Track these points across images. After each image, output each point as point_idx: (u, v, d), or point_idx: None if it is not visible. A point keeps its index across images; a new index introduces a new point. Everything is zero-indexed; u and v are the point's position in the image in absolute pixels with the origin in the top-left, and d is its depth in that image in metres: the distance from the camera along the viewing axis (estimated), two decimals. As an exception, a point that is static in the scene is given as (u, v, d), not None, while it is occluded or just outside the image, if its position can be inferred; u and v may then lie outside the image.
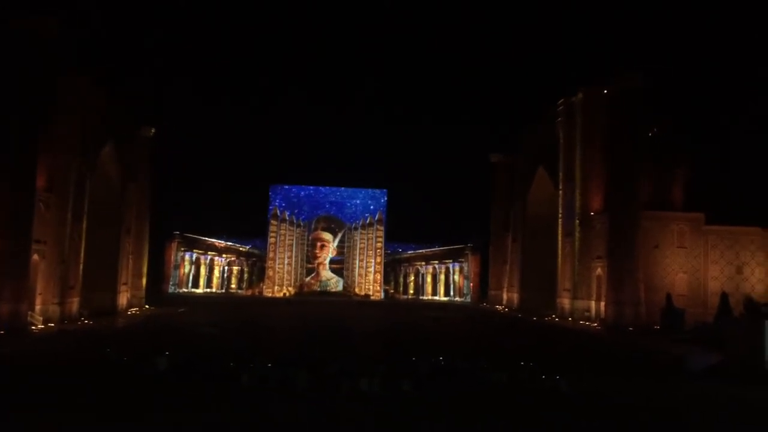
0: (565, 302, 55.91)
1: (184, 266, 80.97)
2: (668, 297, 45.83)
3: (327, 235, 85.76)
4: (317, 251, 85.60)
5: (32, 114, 37.67)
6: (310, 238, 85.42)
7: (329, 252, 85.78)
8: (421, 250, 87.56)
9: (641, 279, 48.56)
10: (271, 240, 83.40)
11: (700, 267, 51.49)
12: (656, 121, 54.12)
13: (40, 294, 41.13)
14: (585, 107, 54.69)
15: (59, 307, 42.68)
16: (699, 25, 64.68)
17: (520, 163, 69.26)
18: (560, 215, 58.26)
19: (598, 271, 52.11)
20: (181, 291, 79.16)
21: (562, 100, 57.43)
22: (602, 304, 50.26)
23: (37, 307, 40.49)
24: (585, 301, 53.42)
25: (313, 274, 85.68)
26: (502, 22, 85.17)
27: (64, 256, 43.44)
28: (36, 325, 38.75)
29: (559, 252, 57.78)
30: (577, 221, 54.83)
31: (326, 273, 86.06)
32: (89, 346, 32.11)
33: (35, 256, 39.73)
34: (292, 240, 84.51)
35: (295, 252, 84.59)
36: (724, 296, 43.05)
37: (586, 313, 52.72)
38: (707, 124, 59.14)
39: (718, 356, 30.22)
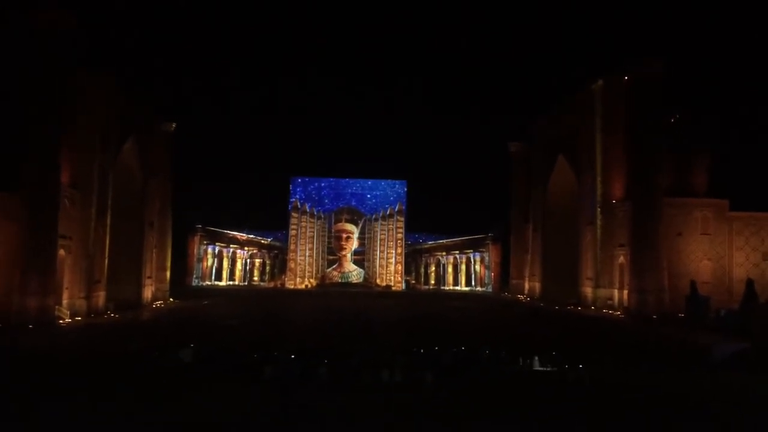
0: (588, 291, 55.57)
1: (207, 259, 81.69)
2: (692, 284, 45.32)
3: (351, 227, 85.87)
4: (343, 243, 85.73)
5: (52, 110, 38.26)
6: (332, 229, 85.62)
7: (354, 243, 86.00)
8: (441, 241, 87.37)
9: (664, 266, 48.07)
10: (292, 232, 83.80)
11: (725, 254, 50.80)
12: (677, 107, 53.39)
13: (66, 288, 41.88)
14: (605, 95, 54.11)
15: (86, 301, 43.42)
16: (720, 9, 63.51)
17: (539, 152, 68.73)
18: (581, 204, 57.82)
19: (621, 259, 51.71)
20: (204, 284, 79.94)
21: (581, 87, 56.85)
22: (625, 292, 49.88)
23: (64, 301, 41.24)
24: (607, 290, 53.04)
25: (335, 266, 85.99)
26: (521, 9, 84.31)
27: (89, 251, 44.15)
28: (63, 319, 39.49)
29: (581, 240, 57.39)
30: (599, 209, 54.38)
31: (349, 264, 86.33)
32: (116, 339, 32.68)
33: (61, 251, 40.43)
34: (313, 232, 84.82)
35: (316, 244, 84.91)
36: (749, 283, 42.43)
37: (609, 302, 52.38)
38: (729, 109, 58.19)
39: (743, 344, 29.87)
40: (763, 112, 59.58)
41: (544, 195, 66.27)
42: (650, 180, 48.75)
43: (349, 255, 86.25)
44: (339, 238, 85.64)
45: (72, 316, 40.79)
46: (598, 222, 54.31)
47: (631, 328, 41.80)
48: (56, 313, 38.74)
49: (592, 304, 54.03)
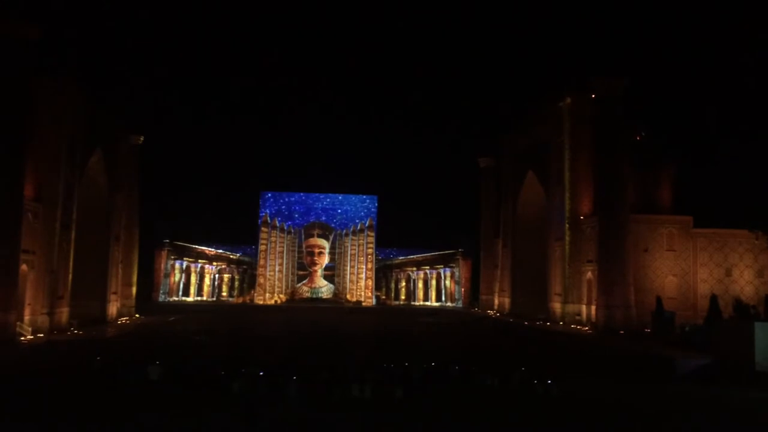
0: (556, 306, 56.04)
1: (175, 274, 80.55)
2: (658, 300, 45.97)
3: (323, 242, 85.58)
4: (315, 258, 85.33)
5: (16, 123, 37.38)
6: (304, 245, 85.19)
7: (326, 258, 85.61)
8: (412, 256, 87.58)
9: (631, 282, 48.69)
10: (262, 247, 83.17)
11: (690, 270, 51.75)
12: (643, 125, 54.47)
13: (28, 304, 40.80)
14: (572, 112, 54.91)
15: (48, 317, 42.33)
16: (685, 28, 65.24)
17: (509, 168, 69.40)
18: (550, 219, 58.44)
19: (589, 274, 52.28)
20: (171, 299, 78.74)
21: (549, 104, 57.67)
22: (593, 307, 50.39)
23: (26, 318, 40.15)
24: (576, 305, 53.56)
25: (305, 281, 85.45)
26: (489, 27, 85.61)
27: (53, 266, 43.13)
28: (25, 336, 38.41)
29: (550, 256, 57.95)
30: (567, 225, 55.00)
31: (319, 280, 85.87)
32: (79, 355, 31.89)
33: (24, 266, 39.44)
34: (283, 247, 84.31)
35: (286, 259, 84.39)
36: (713, 299, 43.21)
37: (577, 317, 52.85)
38: (693, 127, 59.65)
39: (707, 358, 30.36)
40: (725, 129, 61.17)
41: (513, 210, 66.84)
42: (617, 196, 49.46)
43: (320, 270, 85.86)
44: (311, 254, 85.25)
45: (34, 332, 39.68)
46: (567, 238, 54.89)
47: (598, 342, 42.19)
48: (17, 329, 37.68)
49: (561, 319, 54.45)
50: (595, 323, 49.04)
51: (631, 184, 50.70)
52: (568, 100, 55.09)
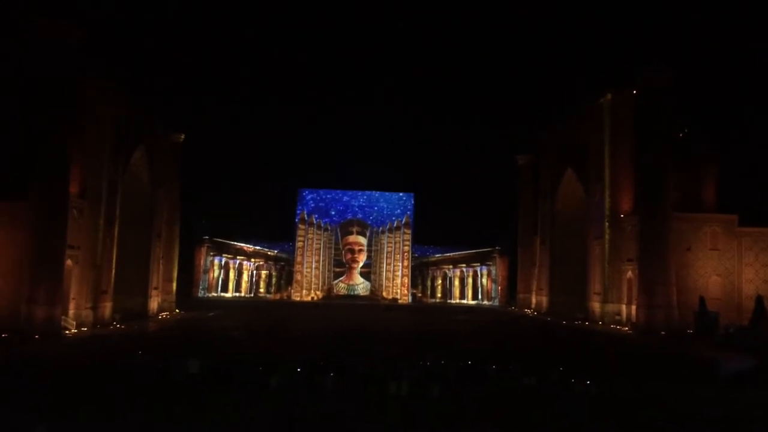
0: (596, 306, 55.21)
1: (214, 270, 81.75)
2: (701, 300, 45.00)
3: (363, 239, 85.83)
4: (356, 255, 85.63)
5: (62, 121, 38.42)
6: (344, 242, 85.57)
7: (364, 256, 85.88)
8: (448, 254, 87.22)
9: (673, 282, 47.73)
10: (299, 244, 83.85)
11: (734, 269, 50.44)
12: (686, 121, 53.26)
13: (73, 299, 41.89)
14: (614, 108, 54.03)
15: (92, 311, 43.44)
16: (730, 24, 63.52)
17: (547, 165, 68.63)
18: (589, 217, 57.61)
19: (629, 274, 51.37)
20: (210, 295, 79.96)
21: (590, 100, 56.82)
22: (633, 307, 49.52)
23: (71, 312, 41.23)
24: (616, 305, 52.69)
25: (342, 277, 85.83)
26: (530, 22, 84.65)
27: (96, 261, 44.23)
28: (69, 330, 39.47)
29: (589, 254, 57.12)
30: (607, 223, 54.14)
31: (356, 277, 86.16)
32: (122, 350, 32.62)
33: (69, 261, 40.50)
34: (320, 244, 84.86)
35: (323, 256, 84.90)
36: (759, 299, 42.10)
37: (617, 317, 52.00)
38: (738, 124, 58.06)
39: (752, 360, 29.54)
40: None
41: (552, 208, 66.08)
42: (659, 194, 48.50)
43: (358, 267, 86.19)
44: (352, 251, 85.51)
45: (78, 326, 40.77)
46: (606, 236, 54.03)
47: (639, 343, 41.47)
48: (63, 323, 38.72)
49: (600, 319, 53.63)
50: (635, 323, 48.21)
51: (673, 181, 49.64)
52: (609, 95, 54.21)
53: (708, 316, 43.95)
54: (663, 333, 44.62)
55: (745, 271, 50.47)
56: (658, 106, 48.91)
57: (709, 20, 65.24)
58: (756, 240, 50.73)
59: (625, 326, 49.89)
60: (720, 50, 63.53)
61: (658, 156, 48.79)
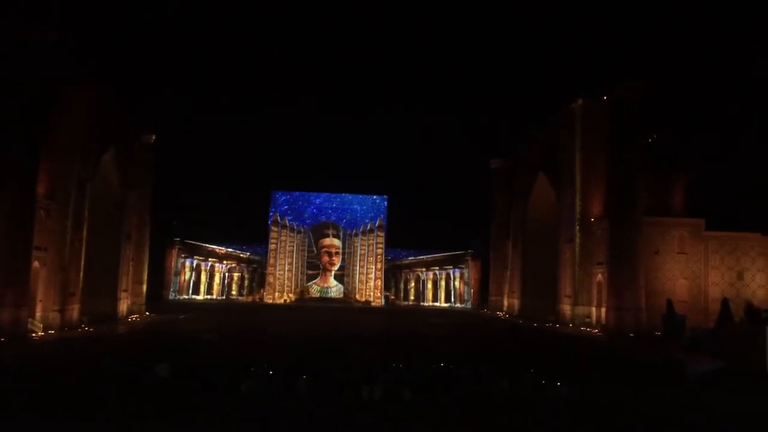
0: (566, 308, 55.86)
1: (185, 273, 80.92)
2: (669, 303, 45.80)
3: (338, 242, 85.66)
4: (333, 258, 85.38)
5: (32, 121, 37.73)
6: (319, 245, 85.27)
7: (340, 258, 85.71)
8: (421, 257, 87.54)
9: (642, 285, 48.53)
10: (272, 246, 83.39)
11: (701, 273, 51.48)
12: (656, 127, 54.20)
13: (40, 301, 41.15)
14: (585, 114, 54.77)
15: (59, 314, 42.69)
16: (699, 30, 64.78)
17: (520, 169, 69.30)
18: (561, 221, 58.26)
19: (599, 277, 52.09)
20: (181, 298, 79.12)
21: (562, 106, 57.50)
22: (603, 310, 50.23)
23: (38, 315, 40.50)
24: (586, 307, 53.38)
25: (316, 279, 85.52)
26: (501, 27, 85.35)
27: (64, 263, 43.48)
28: (36, 333, 38.74)
29: (560, 258, 57.77)
30: (578, 227, 54.84)
31: (330, 279, 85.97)
32: (89, 353, 32.10)
33: (36, 263, 39.78)
34: (293, 246, 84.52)
35: (296, 258, 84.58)
36: (725, 302, 43.00)
37: (587, 320, 52.67)
38: (707, 129, 59.20)
39: (718, 363, 30.12)
40: (739, 132, 60.70)
41: (524, 212, 66.71)
42: (629, 198, 49.33)
43: (334, 270, 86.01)
44: (329, 254, 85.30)
45: (45, 329, 40.03)
46: (577, 239, 54.72)
47: (608, 345, 42.02)
48: (29, 326, 38.00)
49: (571, 321, 54.28)
50: (605, 326, 48.90)
51: (643, 186, 50.52)
52: (580, 101, 54.95)
53: (675, 318, 44.75)
54: (632, 335, 45.34)
55: (711, 274, 51.53)
56: (629, 113, 49.75)
57: (681, 29, 66.48)
58: (722, 243, 51.82)
59: (595, 328, 50.56)
60: (693, 57, 64.76)
61: (628, 161, 49.63)
